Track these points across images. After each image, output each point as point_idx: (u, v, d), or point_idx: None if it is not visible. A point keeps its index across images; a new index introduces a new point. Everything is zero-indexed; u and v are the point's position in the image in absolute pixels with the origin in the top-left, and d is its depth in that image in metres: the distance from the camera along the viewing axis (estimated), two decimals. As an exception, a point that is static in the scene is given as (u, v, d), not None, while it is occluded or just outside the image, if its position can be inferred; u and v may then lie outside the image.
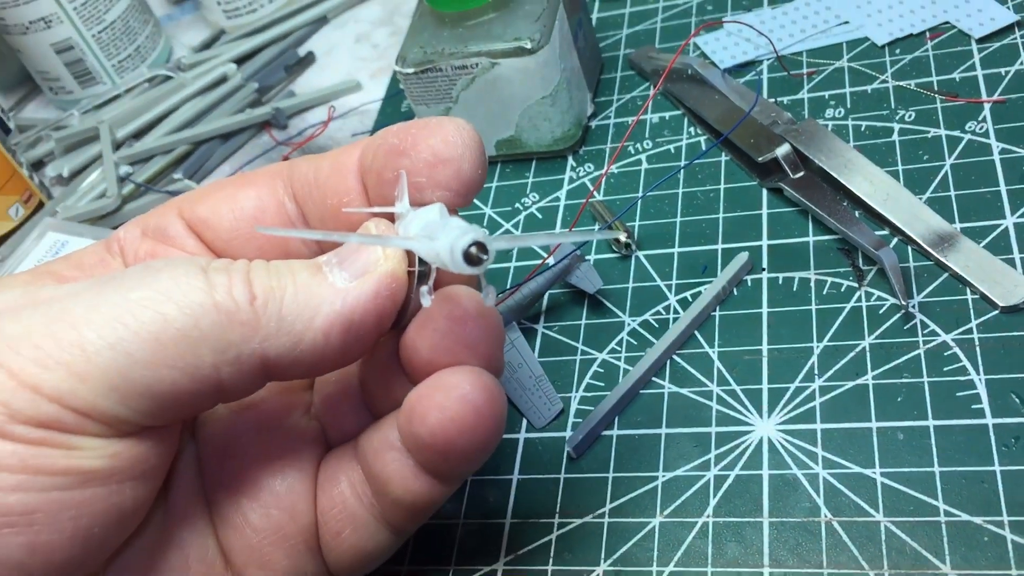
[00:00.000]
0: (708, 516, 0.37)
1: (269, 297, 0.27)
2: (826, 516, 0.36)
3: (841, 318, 0.41)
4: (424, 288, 0.29)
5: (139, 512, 0.29)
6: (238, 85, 0.64)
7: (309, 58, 0.67)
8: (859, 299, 0.42)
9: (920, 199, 0.43)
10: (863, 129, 0.48)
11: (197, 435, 0.33)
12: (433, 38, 0.50)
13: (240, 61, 0.67)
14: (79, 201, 0.61)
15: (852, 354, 0.40)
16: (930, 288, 0.41)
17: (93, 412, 0.26)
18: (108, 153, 0.62)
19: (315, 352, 0.28)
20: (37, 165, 0.67)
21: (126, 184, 0.60)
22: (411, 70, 0.51)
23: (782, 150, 0.46)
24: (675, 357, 0.43)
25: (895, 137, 0.47)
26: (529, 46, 0.48)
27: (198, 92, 0.64)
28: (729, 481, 0.38)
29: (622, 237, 0.47)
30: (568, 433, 0.42)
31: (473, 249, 0.26)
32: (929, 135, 0.46)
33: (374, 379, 0.33)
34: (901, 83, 0.49)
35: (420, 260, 0.29)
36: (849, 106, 0.49)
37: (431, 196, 0.30)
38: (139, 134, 0.64)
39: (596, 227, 0.48)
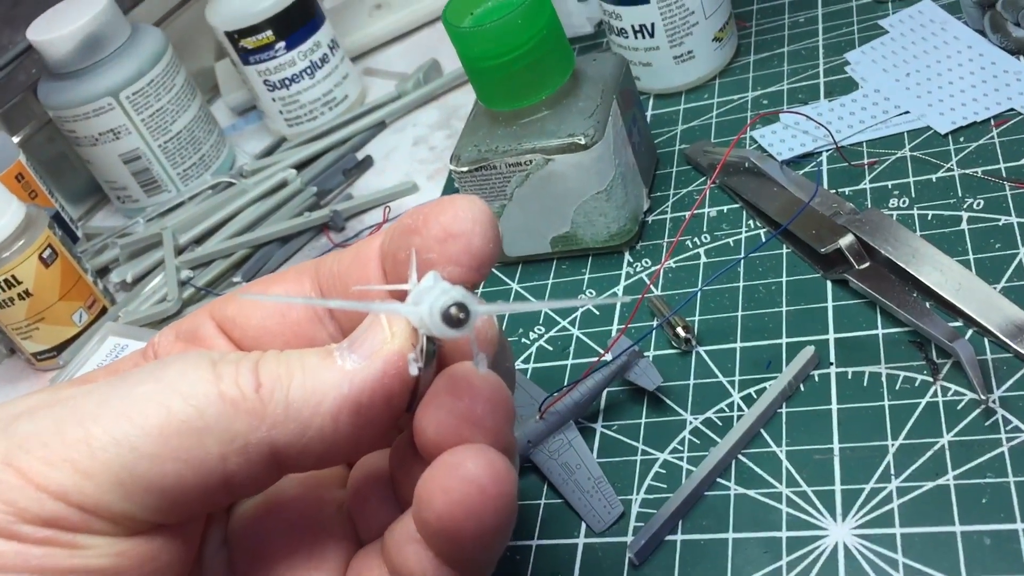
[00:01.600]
0: (782, 629, 0.35)
1: (275, 385, 0.27)
2: (911, 630, 0.33)
3: (917, 414, 0.39)
4: (411, 356, 0.28)
5: None
6: (298, 189, 0.65)
7: (367, 162, 0.68)
8: (935, 394, 0.40)
9: (994, 288, 0.41)
10: (929, 218, 0.47)
11: (228, 535, 0.32)
12: (487, 136, 0.51)
13: (300, 167, 0.69)
14: (141, 305, 0.62)
15: (930, 452, 0.38)
16: (1011, 381, 0.39)
17: (99, 509, 0.25)
18: (170, 258, 0.63)
19: (325, 439, 0.27)
20: (102, 272, 0.68)
21: (187, 288, 0.61)
22: (465, 168, 0.51)
23: (845, 240, 0.45)
24: (741, 456, 0.41)
25: (964, 226, 0.45)
26: (583, 141, 0.48)
27: (259, 197, 0.66)
28: (803, 590, 0.36)
29: (681, 332, 0.46)
30: (629, 538, 0.40)
31: (453, 310, 0.25)
32: (1000, 223, 0.45)
33: (398, 467, 0.32)
34: (967, 171, 0.48)
35: (428, 337, 0.28)
36: (913, 195, 0.48)
37: (442, 272, 0.29)
38: (201, 239, 0.65)
39: (654, 323, 0.47)
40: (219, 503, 0.28)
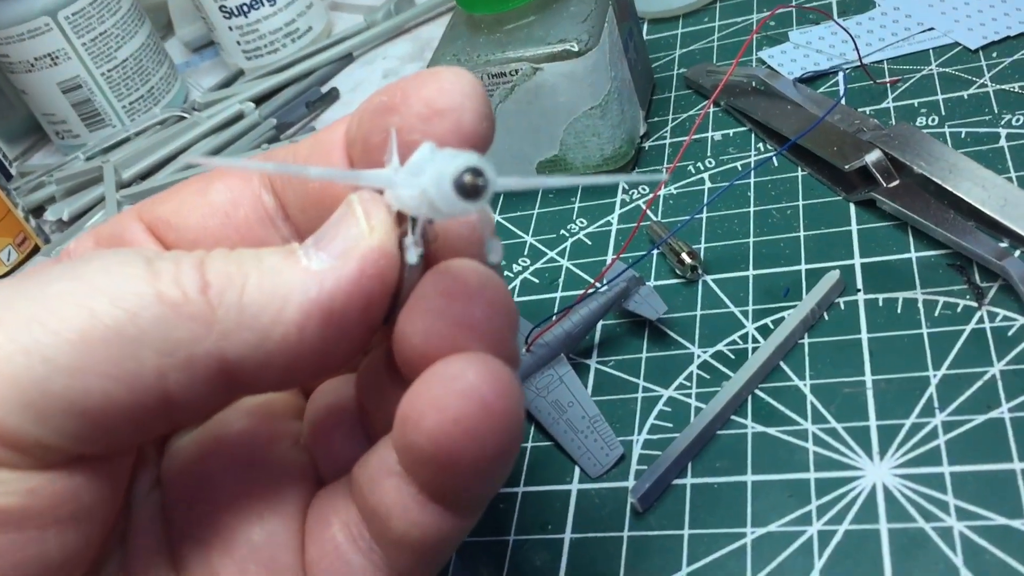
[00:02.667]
0: (814, 581, 0.30)
1: (226, 285, 0.22)
2: (968, 581, 0.28)
3: (961, 342, 0.34)
4: (409, 240, 0.23)
5: (72, 567, 0.22)
6: (255, 122, 0.59)
7: (332, 94, 0.62)
8: (980, 320, 0.35)
9: (1045, 204, 0.37)
10: (963, 136, 0.42)
11: (162, 474, 0.27)
12: (467, 45, 0.45)
13: (259, 101, 0.63)
14: (77, 244, 0.55)
15: (980, 383, 0.33)
16: (1069, 304, 0.34)
17: (3, 435, 0.20)
18: (111, 193, 0.56)
19: (288, 351, 0.22)
20: (38, 211, 0.62)
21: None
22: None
23: (872, 156, 0.40)
24: (758, 392, 0.36)
25: (1003, 143, 0.40)
26: (576, 48, 0.43)
27: (212, 130, 0.60)
28: (838, 538, 0.30)
29: (686, 258, 0.40)
30: (631, 483, 0.34)
31: (467, 176, 0.20)
32: (1044, 138, 0.40)
33: (369, 393, 0.27)
34: (1003, 87, 0.43)
35: (414, 228, 0.23)
36: (944, 113, 0.43)
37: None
38: (147, 174, 0.59)
39: (655, 247, 0.42)
40: (155, 431, 0.22)
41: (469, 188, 0.20)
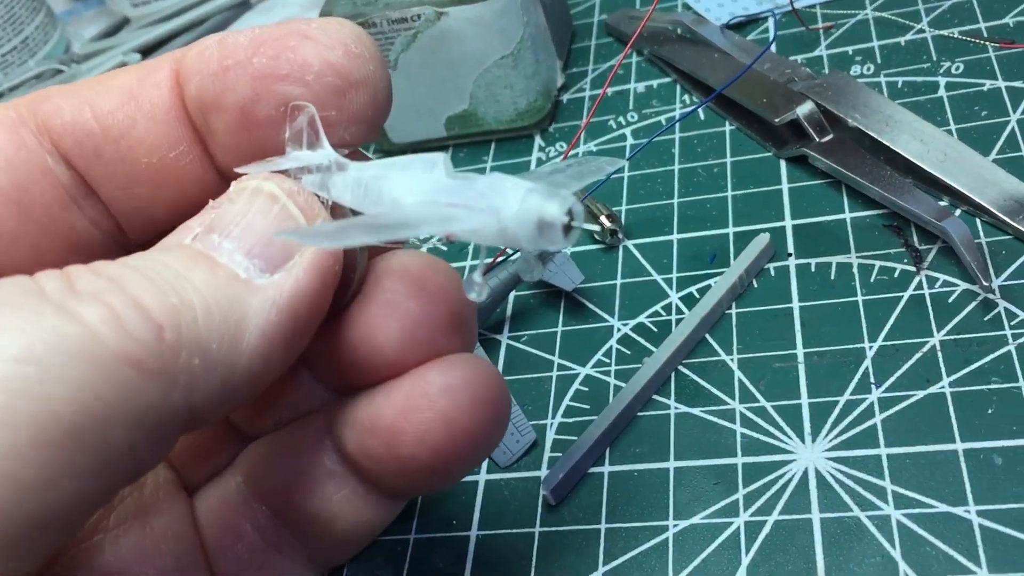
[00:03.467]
0: (741, 579, 0.27)
1: (177, 322, 0.18)
2: (907, 574, 0.26)
3: (898, 310, 0.32)
4: (476, 277, 0.20)
5: None
6: (141, 75, 0.54)
7: (227, 45, 0.57)
8: (919, 286, 0.32)
9: (986, 159, 0.34)
10: (900, 86, 0.39)
11: None
12: (365, -13, 0.41)
13: (146, 52, 0.57)
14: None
15: (918, 355, 0.30)
16: (1013, 267, 0.31)
17: None
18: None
19: (253, 383, 0.20)
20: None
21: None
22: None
23: (804, 109, 0.37)
24: (682, 368, 0.33)
25: (942, 93, 0.38)
26: (484, -10, 0.39)
27: (93, 84, 0.54)
28: (767, 529, 0.28)
29: (605, 222, 0.37)
30: (544, 472, 0.31)
31: (566, 221, 0.18)
32: (985, 88, 0.37)
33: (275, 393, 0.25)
34: (942, 32, 0.40)
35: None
36: (880, 61, 0.40)
37: (343, 134, 0.22)
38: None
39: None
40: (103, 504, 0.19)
41: (564, 230, 0.18)
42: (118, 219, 0.23)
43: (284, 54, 0.21)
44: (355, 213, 0.22)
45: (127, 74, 0.22)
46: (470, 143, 0.44)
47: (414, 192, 0.20)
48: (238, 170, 0.22)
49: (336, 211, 0.22)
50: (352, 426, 0.23)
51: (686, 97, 0.42)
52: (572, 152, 0.42)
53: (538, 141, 0.43)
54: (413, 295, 0.22)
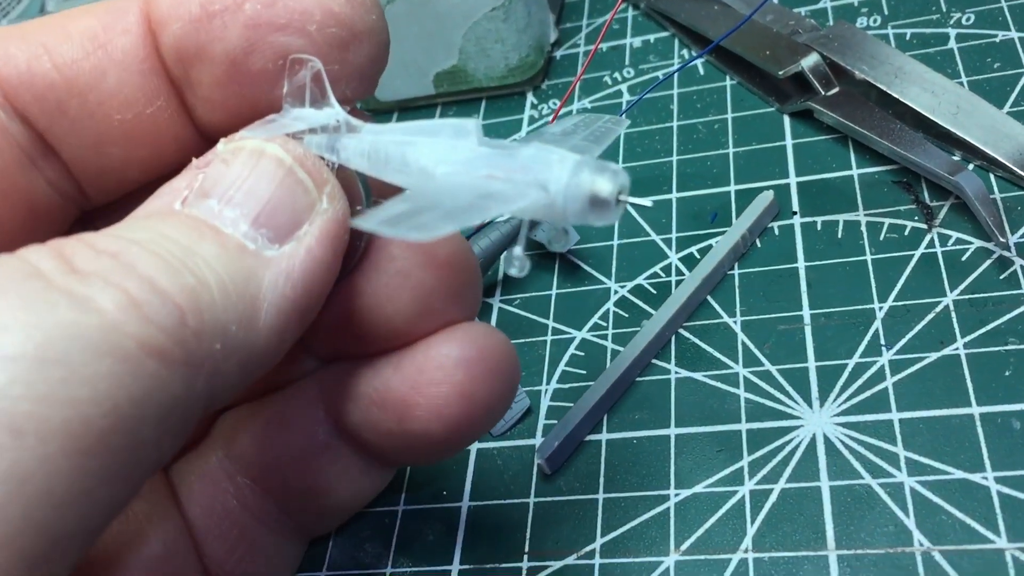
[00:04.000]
0: (747, 551, 0.25)
1: (196, 304, 0.16)
2: (921, 544, 0.24)
3: (909, 269, 0.30)
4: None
5: None
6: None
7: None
8: (931, 244, 0.30)
9: (1001, 112, 0.32)
10: (908, 38, 0.37)
11: None
12: (348, -64, 0.39)
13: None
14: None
15: (931, 316, 0.29)
16: (1030, 223, 0.30)
17: None
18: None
19: (266, 362, 0.18)
20: None
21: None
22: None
23: (809, 61, 0.35)
24: (682, 331, 0.31)
25: (952, 44, 0.36)
26: (473, -63, 0.37)
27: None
28: (773, 498, 0.26)
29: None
30: (538, 440, 0.30)
31: (620, 197, 0.17)
32: (997, 39, 0.36)
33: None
34: (951, -18, 0.38)
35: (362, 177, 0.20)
36: (887, 12, 0.38)
37: (344, 90, 0.20)
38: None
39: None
40: None
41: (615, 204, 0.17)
42: (80, 180, 0.21)
43: (280, 0, 0.19)
44: (363, 178, 0.20)
45: (87, 16, 0.20)
46: (459, 100, 0.42)
47: (445, 161, 0.18)
48: (244, 132, 0.20)
49: (341, 175, 0.20)
50: (355, 399, 0.21)
51: (685, 52, 0.40)
52: (563, 111, 0.40)
53: (530, 98, 0.41)
54: (424, 264, 0.21)
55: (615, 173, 0.17)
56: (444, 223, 0.16)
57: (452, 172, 0.18)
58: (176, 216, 0.18)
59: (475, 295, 0.22)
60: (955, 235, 0.30)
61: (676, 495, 0.27)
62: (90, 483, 0.14)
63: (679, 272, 0.33)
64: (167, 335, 0.16)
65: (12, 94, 0.20)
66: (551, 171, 0.17)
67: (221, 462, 0.23)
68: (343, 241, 0.19)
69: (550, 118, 0.40)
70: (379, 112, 0.43)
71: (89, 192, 0.21)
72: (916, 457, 0.26)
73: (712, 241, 0.33)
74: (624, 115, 0.37)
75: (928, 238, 0.31)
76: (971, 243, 0.30)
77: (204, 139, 0.21)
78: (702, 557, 0.26)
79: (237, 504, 0.23)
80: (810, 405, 0.28)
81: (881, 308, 0.29)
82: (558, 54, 0.43)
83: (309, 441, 0.22)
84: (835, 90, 0.35)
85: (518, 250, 0.18)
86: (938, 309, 0.29)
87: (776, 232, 0.33)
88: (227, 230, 0.18)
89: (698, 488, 0.27)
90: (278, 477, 0.22)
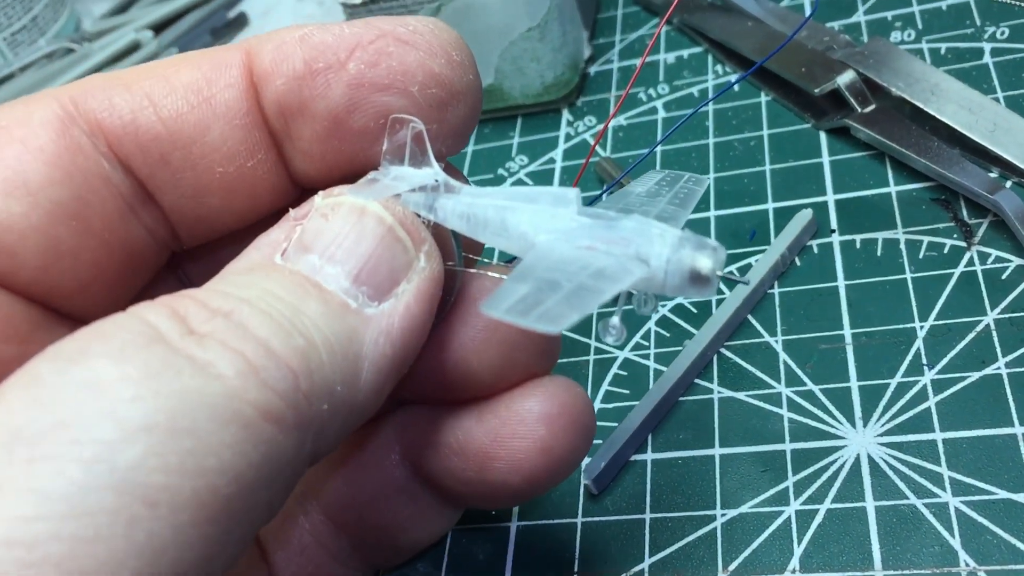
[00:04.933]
0: (794, 571, 0.26)
1: (310, 366, 0.17)
2: (967, 564, 0.25)
3: (950, 288, 0.30)
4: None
5: None
6: (153, 53, 0.53)
7: (240, 20, 0.56)
8: (970, 262, 0.31)
9: (1038, 129, 0.33)
10: (943, 52, 0.37)
11: None
12: (386, -41, 0.39)
13: (158, 28, 0.56)
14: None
15: (972, 335, 0.29)
16: (1070, 242, 0.30)
17: None
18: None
19: (363, 418, 0.19)
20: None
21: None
22: (359, 0, 0.40)
23: (845, 78, 0.35)
24: (724, 351, 0.32)
25: (987, 59, 0.36)
26: (509, -40, 0.37)
27: (105, 63, 0.53)
28: (819, 518, 0.27)
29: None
30: (585, 461, 0.30)
31: (718, 272, 0.18)
32: (1033, 53, 0.36)
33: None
34: (985, -5, 0.38)
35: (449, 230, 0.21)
36: (920, 27, 0.39)
37: (440, 147, 0.21)
38: (34, 116, 0.52)
39: (603, 189, 0.37)
40: None
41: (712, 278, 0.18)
42: (176, 226, 0.21)
43: (383, 60, 0.19)
44: (455, 235, 0.21)
45: (192, 68, 0.20)
46: (496, 118, 0.43)
47: (545, 228, 0.19)
48: (347, 191, 0.20)
49: (435, 232, 0.20)
50: (436, 447, 0.22)
51: (718, 67, 0.41)
52: (599, 127, 0.40)
53: (566, 115, 0.42)
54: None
55: (715, 250, 0.17)
56: (569, 311, 0.16)
57: (552, 240, 0.18)
58: (278, 271, 0.18)
59: (557, 349, 0.22)
60: (994, 253, 0.31)
61: (723, 515, 0.28)
62: (213, 550, 0.15)
63: (720, 291, 0.33)
64: (282, 399, 0.16)
65: (116, 144, 0.20)
66: (652, 246, 0.17)
67: (298, 499, 0.24)
68: (436, 298, 0.20)
69: (589, 135, 0.40)
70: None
71: (183, 237, 0.22)
72: (960, 477, 0.26)
73: (752, 260, 0.33)
74: (661, 140, 0.38)
75: (967, 256, 0.31)
76: (1011, 261, 0.30)
77: (299, 189, 0.22)
78: (750, 576, 0.26)
79: (312, 540, 0.23)
80: (853, 425, 0.28)
81: (922, 327, 0.30)
82: (592, 70, 0.43)
83: (385, 482, 0.23)
84: (871, 107, 0.35)
85: (615, 320, 0.18)
86: (979, 328, 0.29)
87: (815, 250, 0.33)
88: (329, 286, 0.18)
89: (744, 508, 0.28)
90: (354, 515, 0.23)
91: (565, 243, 0.18)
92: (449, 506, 0.24)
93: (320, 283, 0.18)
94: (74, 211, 0.19)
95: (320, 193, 0.20)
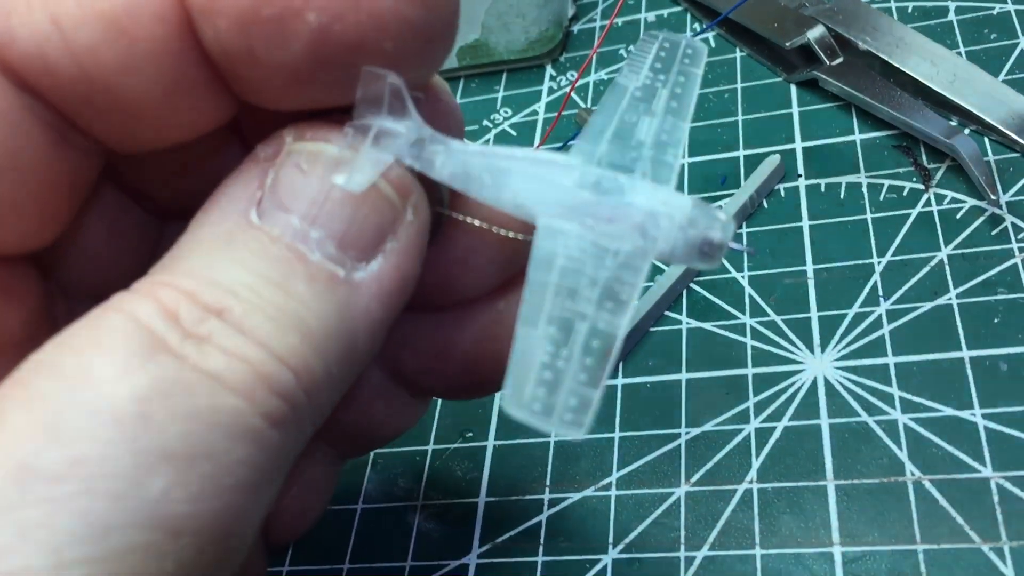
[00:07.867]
0: (751, 481, 0.28)
1: (310, 364, 0.16)
2: (914, 474, 0.26)
3: (907, 227, 0.32)
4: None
5: None
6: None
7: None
8: (928, 203, 0.32)
9: (996, 80, 0.34)
10: (910, 11, 0.39)
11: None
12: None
13: None
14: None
15: (926, 269, 0.31)
16: (1021, 183, 0.32)
17: None
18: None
19: (356, 377, 0.18)
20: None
21: None
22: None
23: (815, 32, 0.37)
24: (693, 285, 0.33)
25: (951, 17, 0.38)
26: (496, -84, 0.39)
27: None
28: (776, 435, 0.28)
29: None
30: (558, 384, 0.32)
31: (728, 246, 0.18)
32: (995, 11, 0.37)
33: None
34: (952, -43, 0.40)
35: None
36: (890, -13, 0.40)
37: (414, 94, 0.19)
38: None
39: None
40: None
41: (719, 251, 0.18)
42: (112, 146, 0.18)
43: (350, 12, 0.16)
44: (451, 193, 0.19)
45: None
46: (481, 73, 0.44)
47: (544, 201, 0.18)
48: (319, 134, 0.17)
49: (421, 178, 0.19)
50: (414, 348, 0.21)
51: (696, 25, 0.42)
52: (580, 82, 0.42)
53: (549, 71, 0.43)
54: (498, 241, 0.20)
55: (725, 224, 0.17)
56: (587, 404, 0.16)
57: (556, 230, 0.18)
58: (259, 242, 0.17)
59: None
60: (950, 195, 0.32)
61: (687, 433, 0.29)
62: (231, 557, 0.15)
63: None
64: (287, 403, 0.16)
65: (33, 81, 0.16)
66: (661, 228, 0.17)
67: None
68: (426, 244, 0.18)
69: (567, 89, 0.42)
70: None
71: (119, 151, 0.19)
72: (910, 396, 0.28)
73: (722, 202, 0.35)
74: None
75: (925, 198, 0.33)
76: (965, 202, 0.32)
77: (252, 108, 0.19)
78: (710, 488, 0.28)
79: None
80: (812, 351, 0.30)
81: (880, 262, 0.31)
82: (575, 28, 0.45)
83: (361, 385, 0.23)
84: (839, 60, 0.37)
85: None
86: (933, 263, 0.31)
87: (782, 194, 0.35)
88: (314, 257, 0.17)
89: (707, 427, 0.29)
90: (327, 418, 0.23)
91: (571, 233, 0.18)
92: (424, 400, 0.24)
93: (305, 255, 0.17)
94: (9, 164, 0.16)
95: (291, 132, 0.18)
